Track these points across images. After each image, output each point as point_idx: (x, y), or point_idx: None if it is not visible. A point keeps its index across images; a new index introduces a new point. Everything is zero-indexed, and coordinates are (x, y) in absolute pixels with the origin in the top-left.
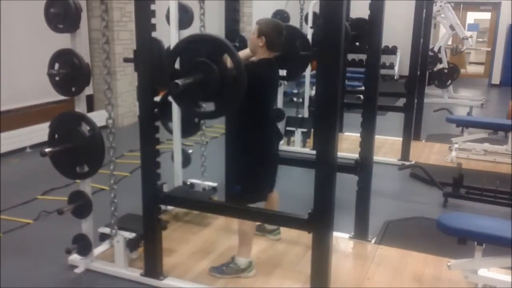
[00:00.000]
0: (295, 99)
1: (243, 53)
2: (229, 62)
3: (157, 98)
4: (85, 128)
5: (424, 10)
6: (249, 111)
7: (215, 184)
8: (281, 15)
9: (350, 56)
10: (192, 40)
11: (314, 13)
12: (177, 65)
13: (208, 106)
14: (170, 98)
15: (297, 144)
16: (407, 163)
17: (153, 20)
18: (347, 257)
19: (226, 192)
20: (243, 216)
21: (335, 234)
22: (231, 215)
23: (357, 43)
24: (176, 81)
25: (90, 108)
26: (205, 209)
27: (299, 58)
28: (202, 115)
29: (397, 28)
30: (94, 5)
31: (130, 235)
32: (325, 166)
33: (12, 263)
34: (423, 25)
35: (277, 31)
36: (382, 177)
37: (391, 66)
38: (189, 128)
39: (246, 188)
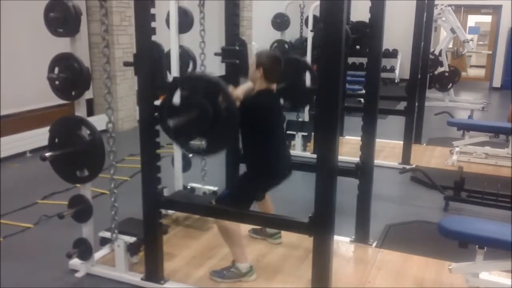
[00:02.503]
0: None
1: (245, 87)
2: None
3: (157, 102)
4: (85, 132)
5: (425, 13)
6: (254, 141)
7: (215, 188)
8: (281, 18)
9: (351, 60)
10: (187, 79)
11: (315, 16)
12: None
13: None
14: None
15: (297, 148)
16: (408, 166)
17: (153, 24)
18: (348, 261)
19: None
20: (243, 220)
21: (336, 238)
22: (232, 219)
23: (358, 47)
24: (169, 121)
25: (90, 112)
26: (205, 213)
27: (305, 90)
28: (198, 152)
29: (397, 31)
30: (94, 9)
31: (131, 239)
32: (325, 169)
33: (12, 267)
34: (423, 28)
35: (274, 62)
36: (383, 180)
37: (392, 70)
38: None
39: (233, 195)
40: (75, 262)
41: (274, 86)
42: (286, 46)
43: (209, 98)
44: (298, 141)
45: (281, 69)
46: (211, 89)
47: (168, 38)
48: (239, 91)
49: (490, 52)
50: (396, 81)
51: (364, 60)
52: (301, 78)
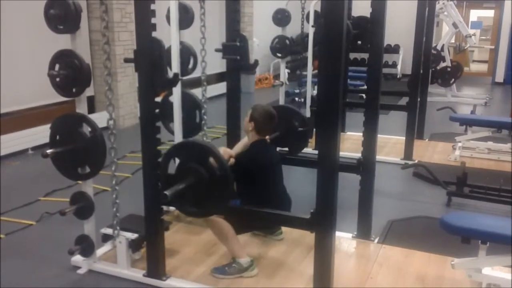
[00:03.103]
0: (297, 98)
1: (241, 144)
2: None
3: (158, 99)
4: (87, 129)
5: (427, 8)
6: (252, 193)
7: None
8: (282, 14)
9: (352, 55)
10: (179, 147)
11: (316, 12)
12: None
13: None
14: (171, 98)
15: None
16: (410, 162)
17: (153, 20)
18: (350, 257)
19: None
20: (246, 216)
21: (338, 233)
22: (234, 215)
23: (359, 42)
24: (165, 192)
25: (91, 109)
26: None
27: (298, 134)
28: (192, 214)
29: (399, 27)
30: (94, 6)
31: (133, 236)
32: (327, 165)
33: (14, 264)
34: (425, 23)
35: (267, 118)
36: (385, 176)
37: (394, 65)
38: (191, 128)
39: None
40: (77, 258)
41: (267, 136)
42: (287, 42)
43: (202, 163)
44: None
45: (274, 124)
46: (203, 153)
47: (169, 34)
48: (234, 149)
49: (493, 47)
50: (398, 76)
51: (365, 56)
52: (294, 124)
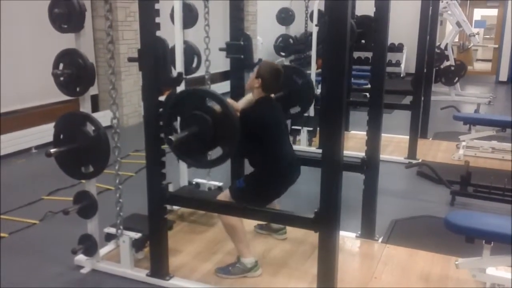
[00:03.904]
0: None
1: (245, 99)
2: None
3: (162, 98)
4: (90, 128)
5: (431, 7)
6: (256, 152)
7: (220, 184)
8: (285, 13)
9: (356, 54)
10: (179, 97)
11: (319, 11)
12: None
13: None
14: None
15: (303, 143)
16: (414, 161)
17: (157, 19)
18: (354, 257)
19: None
20: (249, 216)
21: (342, 233)
22: (237, 215)
23: (363, 41)
24: (170, 137)
25: (95, 108)
26: (210, 209)
27: (302, 94)
28: (208, 164)
29: (403, 26)
30: (98, 5)
31: (136, 235)
32: (331, 164)
33: (18, 263)
34: (429, 22)
35: (274, 75)
36: (388, 175)
37: (398, 64)
38: None
39: (250, 191)
40: (80, 258)
41: (272, 94)
42: (291, 41)
43: (208, 111)
44: (303, 136)
45: (280, 83)
46: (203, 99)
47: (173, 33)
48: (239, 103)
49: (497, 46)
50: (401, 75)
51: (369, 54)
52: (298, 83)
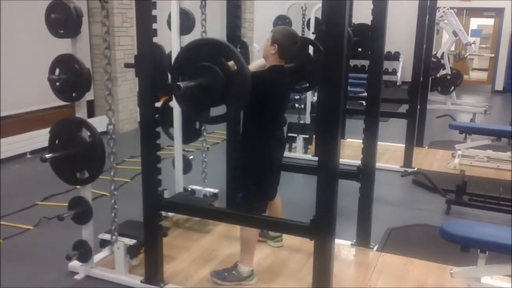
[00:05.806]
0: (297, 105)
1: (257, 63)
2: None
3: (158, 104)
4: (86, 134)
5: (427, 16)
6: (256, 117)
7: (216, 191)
8: (282, 20)
9: (353, 62)
10: (194, 46)
11: (316, 19)
12: None
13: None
14: (171, 104)
15: (299, 151)
16: (409, 169)
17: (154, 25)
18: (349, 265)
19: (228, 199)
20: (245, 223)
21: (337, 241)
22: (233, 222)
23: (360, 49)
24: (179, 83)
25: (91, 114)
26: (206, 215)
27: (314, 71)
28: (209, 120)
29: (399, 34)
30: (95, 11)
31: (131, 241)
32: (327, 172)
33: (12, 269)
34: (426, 31)
35: (291, 40)
36: (384, 184)
37: (394, 72)
38: (190, 134)
39: (248, 192)
40: (74, 264)
41: (286, 65)
42: None
43: (219, 64)
44: (299, 143)
45: (296, 49)
46: (218, 52)
47: (170, 40)
48: (250, 67)
49: (493, 55)
50: (398, 83)
51: (366, 63)
52: (309, 56)
